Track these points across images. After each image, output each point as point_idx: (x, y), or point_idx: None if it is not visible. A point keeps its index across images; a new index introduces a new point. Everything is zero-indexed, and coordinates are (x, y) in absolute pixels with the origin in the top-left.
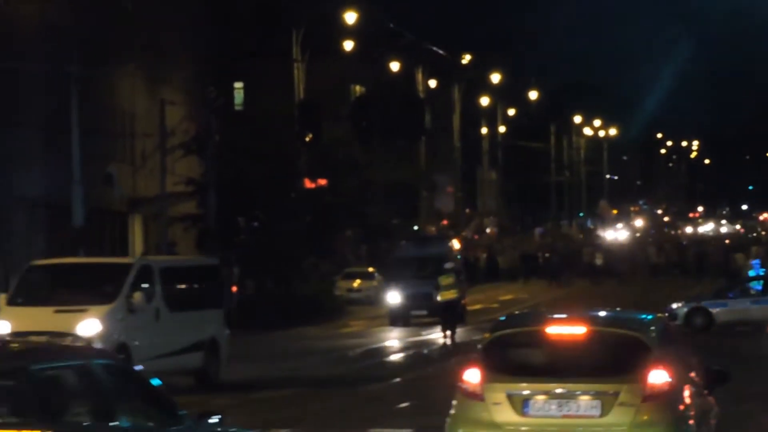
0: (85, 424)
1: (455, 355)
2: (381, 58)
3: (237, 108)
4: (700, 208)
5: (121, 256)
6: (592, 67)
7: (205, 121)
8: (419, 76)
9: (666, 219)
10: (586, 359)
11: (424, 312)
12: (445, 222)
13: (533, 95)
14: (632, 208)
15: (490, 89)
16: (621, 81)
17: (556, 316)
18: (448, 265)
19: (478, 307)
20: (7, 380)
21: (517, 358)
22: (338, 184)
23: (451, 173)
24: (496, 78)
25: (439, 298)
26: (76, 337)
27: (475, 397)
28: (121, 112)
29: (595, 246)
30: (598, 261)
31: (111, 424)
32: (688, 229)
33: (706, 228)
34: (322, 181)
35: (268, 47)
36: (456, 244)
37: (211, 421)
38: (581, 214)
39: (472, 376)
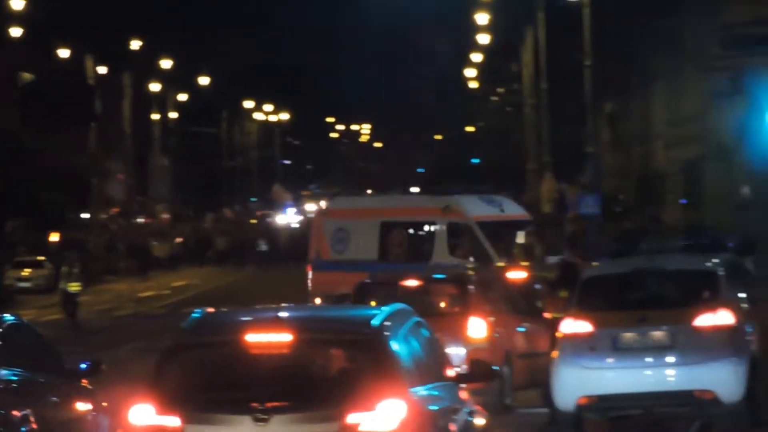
0: None
1: None
2: (50, 44)
3: None
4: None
5: None
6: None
7: None
8: (89, 63)
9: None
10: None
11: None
12: (116, 209)
13: (204, 81)
14: (303, 192)
15: (161, 75)
16: (295, 66)
17: None
18: None
19: (150, 294)
20: None
21: None
22: (8, 172)
23: (123, 160)
24: (167, 64)
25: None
26: None
27: None
28: None
29: (262, 231)
30: (263, 247)
31: None
32: None
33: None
34: None
35: None
36: None
37: None
38: (253, 199)
39: None
